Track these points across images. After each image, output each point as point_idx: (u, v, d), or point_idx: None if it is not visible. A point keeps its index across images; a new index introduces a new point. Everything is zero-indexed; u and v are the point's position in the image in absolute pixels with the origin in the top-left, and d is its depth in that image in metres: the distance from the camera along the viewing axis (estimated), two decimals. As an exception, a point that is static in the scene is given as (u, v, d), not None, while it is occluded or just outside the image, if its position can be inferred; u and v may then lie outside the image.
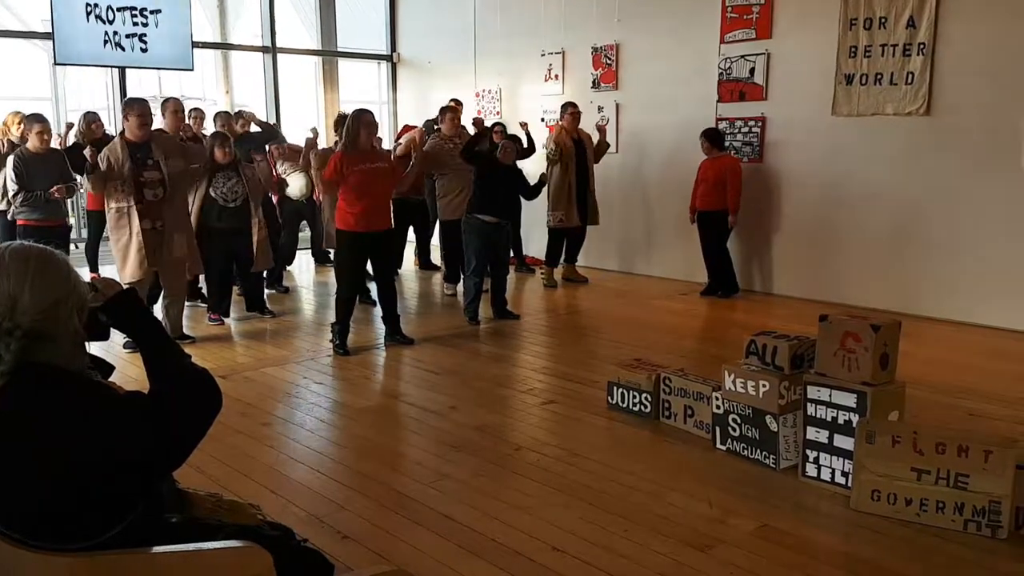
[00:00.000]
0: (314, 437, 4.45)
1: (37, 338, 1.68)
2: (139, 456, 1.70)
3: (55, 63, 9.09)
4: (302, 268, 9.81)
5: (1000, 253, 6.56)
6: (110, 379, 1.99)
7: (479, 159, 7.02)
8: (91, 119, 8.12)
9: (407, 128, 9.04)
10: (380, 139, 6.34)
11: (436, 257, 9.63)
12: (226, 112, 8.73)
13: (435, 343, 6.35)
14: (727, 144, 7.97)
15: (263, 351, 6.21)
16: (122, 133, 5.89)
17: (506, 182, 6.96)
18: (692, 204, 7.94)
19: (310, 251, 9.96)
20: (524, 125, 8.65)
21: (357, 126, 5.93)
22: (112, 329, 1.92)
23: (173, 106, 6.87)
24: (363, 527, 3.37)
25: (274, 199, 8.09)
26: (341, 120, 7.48)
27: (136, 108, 5.82)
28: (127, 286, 5.78)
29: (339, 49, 12.29)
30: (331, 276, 7.90)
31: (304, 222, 9.49)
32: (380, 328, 6.44)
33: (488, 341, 6.46)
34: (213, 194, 6.63)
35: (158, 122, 6.56)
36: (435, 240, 9.56)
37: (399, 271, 9.17)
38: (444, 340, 6.44)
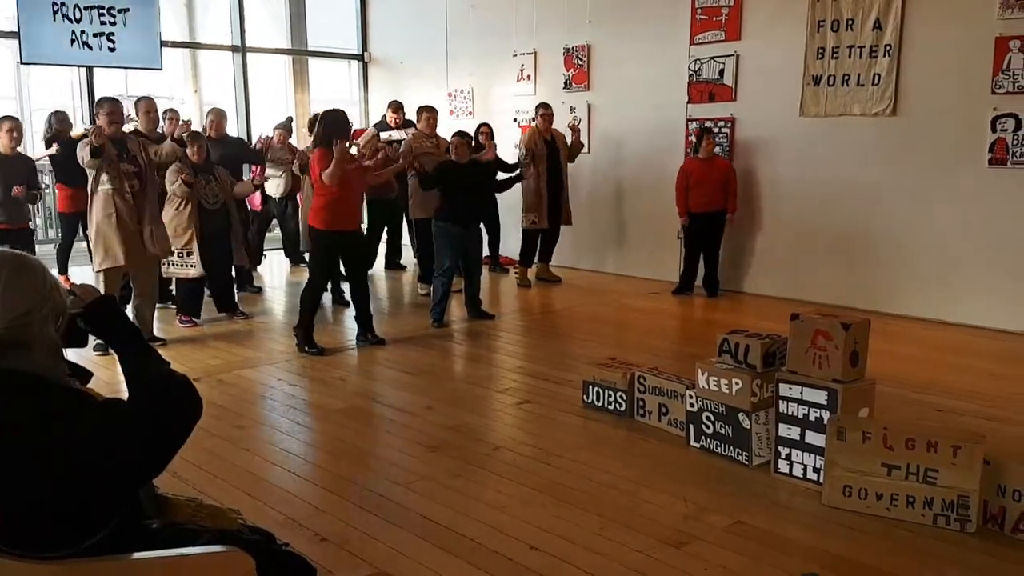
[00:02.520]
0: (289, 439, 4.43)
1: (11, 347, 1.66)
2: (118, 464, 1.69)
3: (21, 62, 8.95)
4: (275, 269, 9.75)
5: (965, 251, 6.69)
6: (88, 385, 1.99)
7: (435, 179, 6.88)
8: (60, 118, 8.03)
9: (358, 132, 8.97)
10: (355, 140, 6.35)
11: (405, 258, 9.65)
12: (221, 110, 8.61)
13: (409, 343, 6.34)
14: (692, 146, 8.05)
15: (236, 353, 6.17)
16: (98, 126, 5.92)
17: (470, 186, 6.88)
18: (684, 206, 7.82)
19: (283, 251, 9.90)
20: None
21: (332, 119, 5.98)
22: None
23: (146, 106, 6.80)
24: (341, 529, 3.37)
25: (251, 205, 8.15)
26: (315, 121, 7.46)
27: (106, 107, 5.93)
28: (99, 272, 5.79)
29: (310, 48, 12.22)
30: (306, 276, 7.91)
31: (274, 221, 9.46)
32: (353, 328, 6.42)
33: (462, 341, 6.47)
34: (187, 178, 6.59)
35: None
36: (405, 239, 9.58)
37: (371, 271, 9.15)
38: (418, 340, 6.44)
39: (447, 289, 6.91)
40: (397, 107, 9.01)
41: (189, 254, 6.64)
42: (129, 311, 6.06)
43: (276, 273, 9.60)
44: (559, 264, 9.06)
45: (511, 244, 9.91)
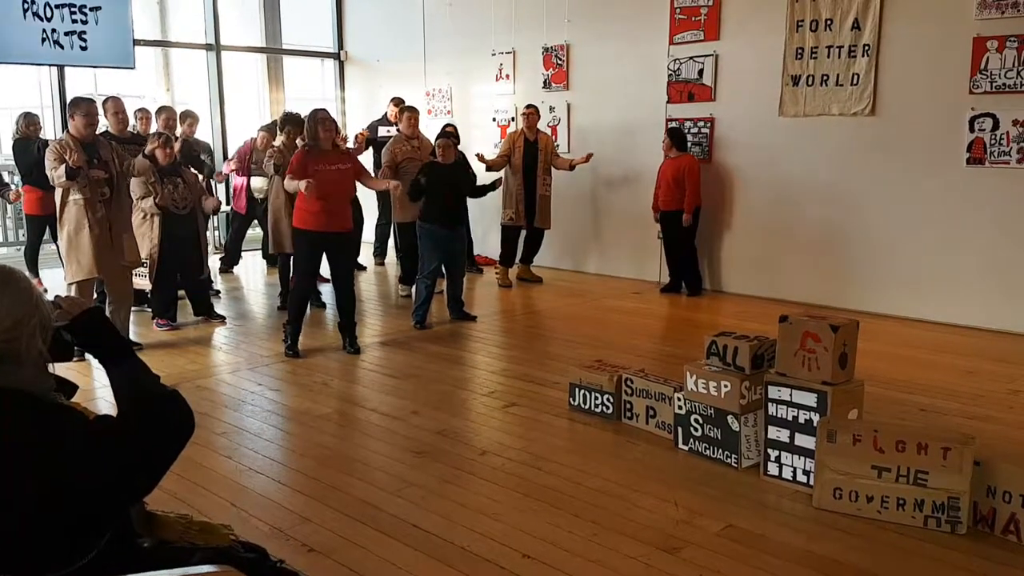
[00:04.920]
0: (272, 446, 4.36)
1: None
2: (109, 483, 1.63)
3: (-11, 61, 8.76)
4: (252, 270, 9.64)
5: (942, 251, 6.75)
6: (73, 399, 1.92)
7: (422, 186, 6.76)
8: (30, 120, 7.89)
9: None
10: (344, 137, 6.17)
11: (366, 258, 9.60)
12: (169, 107, 8.50)
13: (391, 346, 6.28)
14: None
15: (215, 357, 6.08)
16: (67, 131, 5.80)
17: (452, 187, 6.83)
18: (654, 204, 8.00)
19: (260, 253, 9.79)
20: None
21: (314, 125, 5.87)
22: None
23: (114, 107, 6.64)
24: (328, 539, 3.31)
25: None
26: (288, 119, 7.37)
27: (83, 107, 5.74)
28: (71, 284, 5.67)
29: (284, 47, 12.09)
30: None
31: (254, 222, 9.35)
32: (333, 331, 6.33)
33: (446, 343, 6.42)
34: (161, 201, 6.46)
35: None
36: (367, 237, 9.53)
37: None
38: (400, 343, 6.38)
39: (430, 291, 6.86)
40: (399, 103, 8.93)
41: (144, 265, 6.51)
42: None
43: (252, 274, 9.48)
44: (539, 264, 9.03)
45: (490, 243, 9.90)
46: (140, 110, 8.20)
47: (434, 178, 6.74)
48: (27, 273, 7.94)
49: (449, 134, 7.42)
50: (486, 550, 3.19)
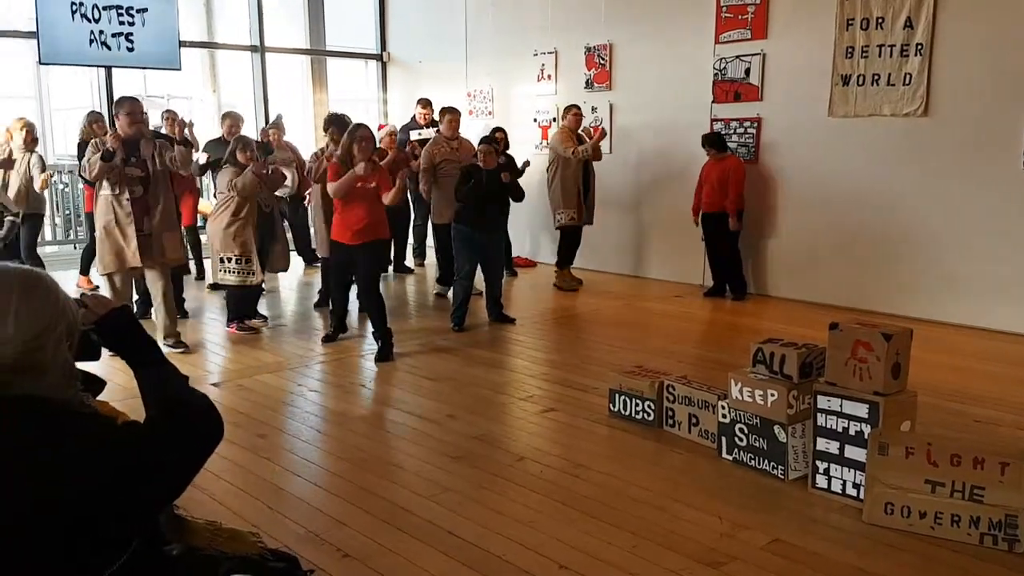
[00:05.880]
0: (310, 448, 4.34)
1: (24, 371, 1.55)
2: (136, 490, 1.59)
3: (40, 62, 8.91)
4: (290, 270, 9.65)
5: (997, 256, 6.52)
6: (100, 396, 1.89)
7: (467, 191, 6.73)
8: (94, 119, 7.98)
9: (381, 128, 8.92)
10: (383, 152, 6.13)
11: (410, 260, 9.58)
12: (234, 113, 8.53)
13: (429, 348, 6.24)
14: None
15: (256, 357, 6.09)
16: (114, 130, 5.88)
17: (490, 194, 6.77)
18: (695, 206, 7.88)
19: (295, 252, 9.81)
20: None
21: (350, 142, 5.87)
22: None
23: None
24: (364, 544, 3.26)
25: None
26: (332, 120, 7.37)
27: (126, 106, 5.81)
28: (103, 275, 5.71)
29: (328, 48, 12.14)
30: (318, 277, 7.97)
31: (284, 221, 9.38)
32: (370, 334, 6.28)
33: (483, 346, 6.36)
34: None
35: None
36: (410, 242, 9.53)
37: (385, 274, 9.07)
38: (438, 345, 6.33)
39: (467, 293, 6.82)
40: (426, 104, 8.95)
41: (248, 261, 6.42)
42: (155, 317, 6.04)
43: (290, 274, 9.49)
44: (579, 266, 8.92)
45: (528, 244, 9.83)
46: (167, 111, 8.24)
47: (470, 179, 6.72)
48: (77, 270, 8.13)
49: (495, 140, 7.36)
50: (522, 559, 3.12)
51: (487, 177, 6.77)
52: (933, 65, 6.73)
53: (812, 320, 6.67)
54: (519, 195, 7.05)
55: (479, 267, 6.91)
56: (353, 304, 7.09)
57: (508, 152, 7.96)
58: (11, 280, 1.59)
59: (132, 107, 5.82)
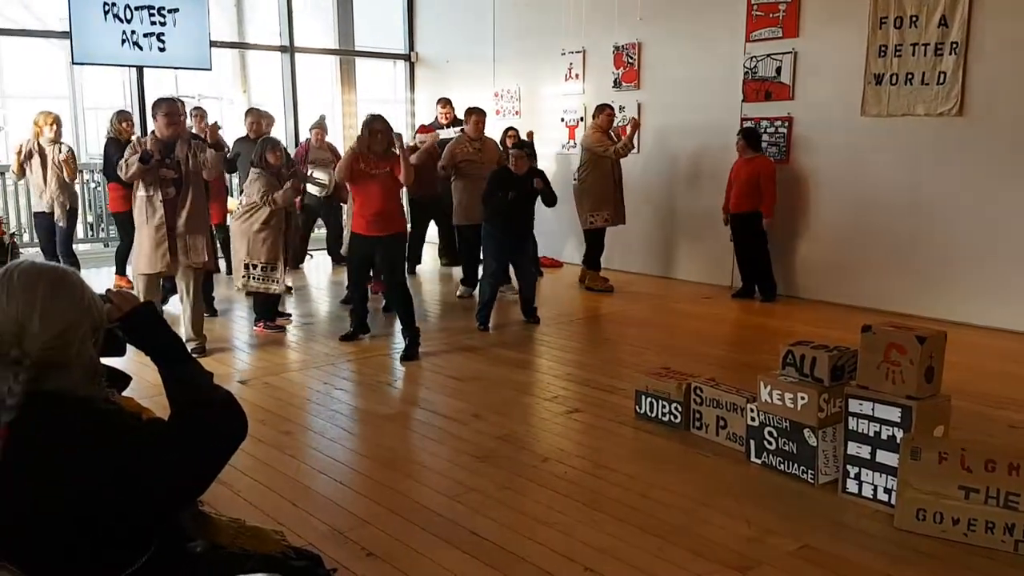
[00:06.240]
0: (336, 446, 4.34)
1: (49, 367, 1.55)
2: (159, 487, 1.59)
3: (73, 62, 9.02)
4: (319, 269, 9.73)
5: (1036, 258, 6.39)
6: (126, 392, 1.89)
7: (496, 199, 6.73)
8: (123, 117, 8.07)
9: (424, 129, 8.95)
10: (399, 135, 6.05)
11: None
12: (257, 111, 8.59)
13: (454, 348, 6.23)
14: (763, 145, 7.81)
15: (282, 355, 6.11)
16: (152, 132, 5.86)
17: (518, 199, 6.75)
18: (725, 205, 7.81)
19: (326, 250, 9.89)
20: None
21: (366, 131, 5.91)
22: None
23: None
24: (387, 543, 3.25)
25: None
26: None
27: (164, 107, 5.78)
28: (138, 276, 5.74)
29: (357, 48, 12.19)
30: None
31: (319, 220, 9.44)
32: (399, 332, 6.29)
33: (509, 346, 6.33)
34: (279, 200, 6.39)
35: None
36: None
37: (415, 272, 9.09)
38: (464, 345, 6.32)
39: (493, 292, 6.82)
40: (446, 103, 8.94)
41: (273, 269, 6.39)
42: (182, 318, 6.07)
43: (319, 273, 9.57)
44: (606, 267, 8.87)
45: (553, 244, 9.77)
46: (196, 108, 8.28)
47: (503, 186, 6.72)
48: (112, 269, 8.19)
49: (526, 144, 7.35)
50: (547, 562, 3.09)
51: (517, 182, 6.75)
52: (968, 64, 6.61)
53: (841, 322, 6.58)
54: (552, 200, 6.98)
55: (512, 270, 6.93)
56: (377, 303, 7.11)
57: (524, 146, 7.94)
58: (37, 277, 1.59)
59: (170, 108, 5.78)
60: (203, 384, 1.74)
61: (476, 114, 8.06)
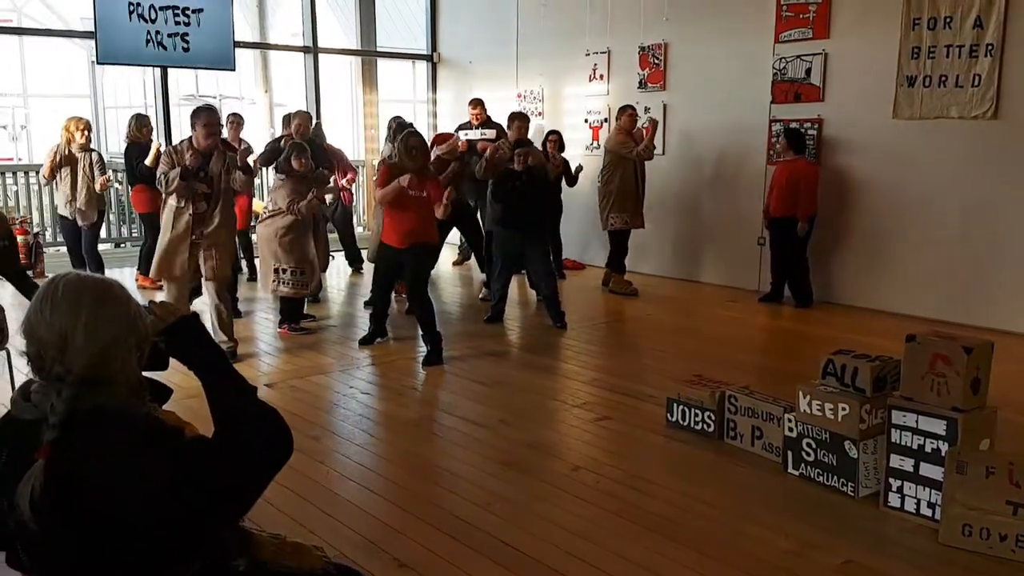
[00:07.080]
0: (363, 452, 4.29)
1: (93, 383, 1.50)
2: (199, 508, 1.53)
3: (97, 62, 9.05)
4: (340, 273, 9.67)
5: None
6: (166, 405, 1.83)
7: (505, 194, 6.78)
8: (143, 123, 8.03)
9: (440, 137, 8.84)
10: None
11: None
12: (301, 112, 8.44)
13: (479, 352, 6.16)
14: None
15: (307, 358, 6.07)
16: (190, 139, 5.66)
17: (530, 193, 6.76)
18: (765, 209, 7.67)
19: (343, 254, 9.81)
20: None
21: (404, 151, 5.81)
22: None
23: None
24: (420, 554, 3.19)
25: None
26: (400, 128, 7.30)
27: (203, 117, 5.59)
28: (169, 284, 5.66)
29: (379, 49, 12.16)
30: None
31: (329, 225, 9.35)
32: (422, 336, 6.21)
33: (534, 350, 6.27)
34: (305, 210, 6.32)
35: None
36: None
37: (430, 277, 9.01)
38: (488, 349, 6.25)
39: (502, 293, 6.96)
40: (477, 103, 8.84)
41: (303, 272, 6.37)
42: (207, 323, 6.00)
43: (340, 276, 9.51)
44: (631, 270, 8.79)
45: (576, 246, 9.69)
46: (232, 115, 8.21)
47: (508, 183, 6.76)
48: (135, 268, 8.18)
49: (527, 142, 7.35)
50: (582, 575, 3.02)
51: (519, 177, 6.79)
52: (1004, 66, 6.49)
53: (876, 329, 6.47)
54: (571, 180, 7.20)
55: (526, 272, 6.95)
56: (401, 305, 7.06)
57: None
58: (83, 290, 1.55)
59: (209, 118, 5.60)
60: (248, 400, 1.69)
61: (519, 120, 7.92)
